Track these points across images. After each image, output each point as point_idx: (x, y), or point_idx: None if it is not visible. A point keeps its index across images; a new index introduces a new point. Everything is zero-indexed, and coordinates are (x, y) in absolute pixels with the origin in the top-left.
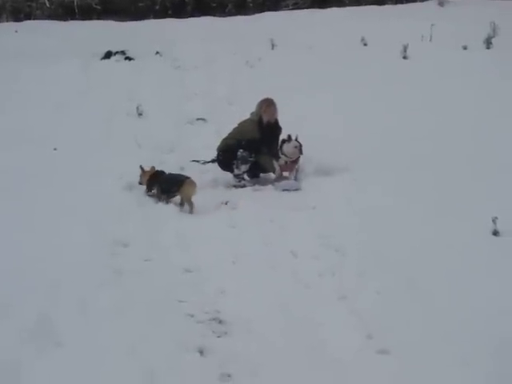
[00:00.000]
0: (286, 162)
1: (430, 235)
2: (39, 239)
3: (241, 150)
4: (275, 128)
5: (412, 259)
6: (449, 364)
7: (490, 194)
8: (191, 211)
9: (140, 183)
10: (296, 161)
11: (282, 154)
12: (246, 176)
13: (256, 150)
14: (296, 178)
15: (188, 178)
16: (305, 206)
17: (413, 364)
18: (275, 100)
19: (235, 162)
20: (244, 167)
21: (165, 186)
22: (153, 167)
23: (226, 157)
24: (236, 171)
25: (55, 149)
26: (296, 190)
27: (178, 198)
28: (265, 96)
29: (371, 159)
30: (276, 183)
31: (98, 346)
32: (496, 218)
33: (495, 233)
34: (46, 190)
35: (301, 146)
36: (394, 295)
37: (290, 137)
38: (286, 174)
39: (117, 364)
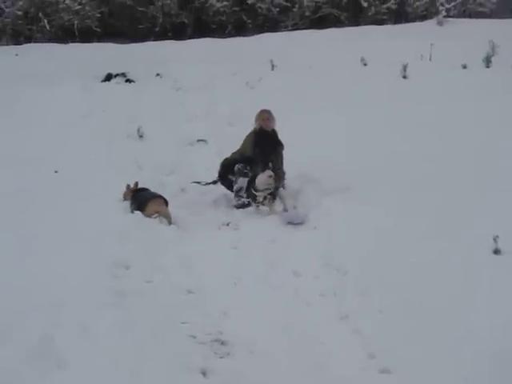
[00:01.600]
0: (265, 198)
1: (431, 254)
2: (40, 261)
3: (237, 165)
4: (272, 139)
5: (413, 278)
6: (452, 382)
7: (491, 212)
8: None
9: (124, 199)
10: (273, 193)
11: (254, 190)
12: (243, 194)
13: (253, 164)
14: (286, 209)
15: (156, 196)
16: (306, 226)
17: (415, 383)
18: (276, 119)
19: (234, 176)
20: (242, 180)
21: (136, 203)
22: (136, 183)
23: (224, 172)
24: (235, 186)
25: (56, 171)
26: (300, 223)
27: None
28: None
29: (372, 178)
30: (280, 215)
31: (101, 367)
32: (497, 236)
33: (496, 251)
34: (46, 211)
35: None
36: (395, 314)
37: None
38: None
39: None
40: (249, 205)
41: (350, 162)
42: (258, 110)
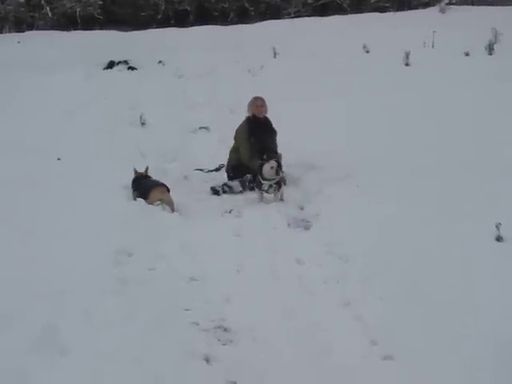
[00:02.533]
0: (271, 186)
1: (433, 242)
2: (43, 249)
3: (249, 176)
4: (265, 126)
5: (415, 266)
6: (453, 369)
7: (493, 199)
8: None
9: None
10: (279, 183)
11: (263, 178)
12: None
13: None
14: (282, 199)
15: (159, 184)
16: (308, 214)
17: (417, 369)
18: (278, 107)
19: (241, 181)
20: (236, 185)
21: (139, 191)
22: (146, 169)
23: (234, 176)
24: (229, 183)
25: (59, 159)
26: (306, 227)
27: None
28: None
29: (374, 166)
30: (288, 219)
31: (104, 354)
32: (499, 223)
33: (498, 238)
34: (49, 199)
35: (278, 166)
36: (397, 301)
37: (268, 156)
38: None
39: (122, 373)
40: (218, 194)
41: (351, 149)
42: (251, 98)
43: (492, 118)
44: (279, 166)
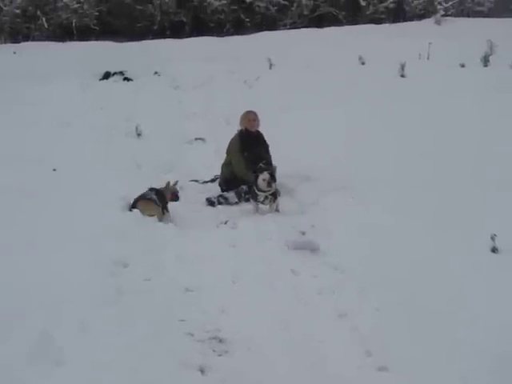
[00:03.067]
0: (266, 197)
1: (429, 253)
2: (39, 259)
3: (244, 187)
4: (258, 140)
5: (411, 276)
6: (449, 381)
7: (489, 211)
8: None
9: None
10: (275, 194)
11: (258, 189)
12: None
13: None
14: (278, 209)
15: (143, 198)
16: (304, 225)
17: (412, 381)
18: (274, 118)
19: (236, 192)
20: (232, 197)
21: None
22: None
23: (227, 188)
24: (225, 194)
25: (55, 169)
26: (313, 250)
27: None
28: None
29: (370, 177)
30: (287, 239)
31: (100, 365)
32: (495, 235)
33: (494, 250)
34: (45, 209)
35: (271, 178)
36: (393, 312)
37: (261, 168)
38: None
39: (119, 383)
40: (213, 205)
41: (348, 160)
42: (243, 111)
43: (488, 129)
44: (272, 177)
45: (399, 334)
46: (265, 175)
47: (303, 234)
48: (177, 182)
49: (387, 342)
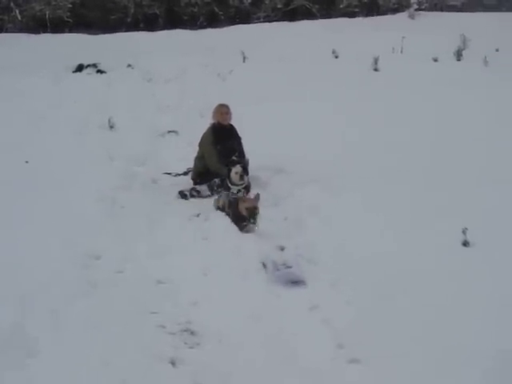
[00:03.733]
0: (239, 191)
1: (400, 246)
2: (10, 251)
3: (217, 180)
4: (231, 133)
5: (383, 270)
6: (420, 373)
7: (460, 205)
8: None
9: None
10: (247, 187)
11: (231, 183)
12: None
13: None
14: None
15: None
16: (276, 217)
17: (383, 373)
18: (246, 111)
19: (209, 185)
20: (204, 190)
21: None
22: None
23: (200, 181)
24: (198, 187)
25: (27, 162)
26: (298, 282)
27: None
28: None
29: (343, 170)
30: (272, 270)
31: (71, 357)
32: (466, 228)
33: (465, 244)
34: (17, 201)
35: (243, 171)
36: (365, 305)
37: (233, 161)
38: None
39: (90, 376)
40: (186, 198)
41: (321, 152)
42: (216, 104)
43: (460, 123)
44: (245, 170)
45: (371, 326)
46: (237, 168)
47: (282, 249)
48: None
49: (359, 335)
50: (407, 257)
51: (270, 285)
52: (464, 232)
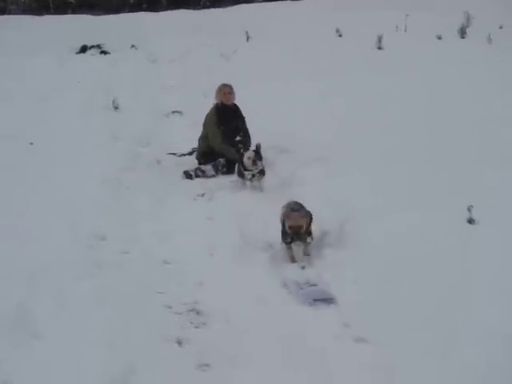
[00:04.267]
0: (254, 175)
1: (405, 224)
2: (15, 232)
3: (222, 160)
4: (235, 113)
5: (388, 248)
6: (425, 352)
7: (463, 183)
8: None
9: None
10: (262, 171)
11: (245, 168)
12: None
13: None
14: (262, 189)
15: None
16: (281, 197)
17: (389, 352)
18: (251, 90)
19: (214, 165)
20: (209, 170)
21: None
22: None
23: (204, 161)
24: (203, 167)
25: (31, 143)
26: (329, 300)
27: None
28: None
29: (345, 151)
30: (295, 290)
31: (77, 338)
32: (471, 206)
33: (470, 221)
34: (22, 183)
35: (256, 156)
36: (371, 284)
37: (244, 145)
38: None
39: (96, 356)
40: (190, 178)
41: (324, 132)
42: (219, 84)
43: (462, 100)
44: (257, 155)
45: (376, 305)
46: (249, 153)
47: (303, 268)
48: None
49: (364, 314)
50: (412, 234)
51: (275, 266)
52: (469, 209)
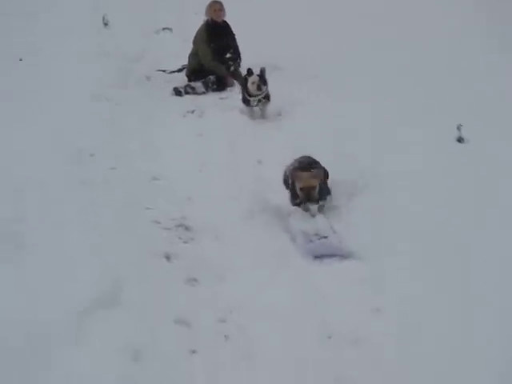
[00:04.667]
0: (259, 101)
1: (394, 143)
2: (2, 148)
3: (212, 77)
4: (225, 30)
5: (376, 168)
6: (441, 314)
7: (450, 102)
8: None
9: None
10: (268, 96)
11: (249, 95)
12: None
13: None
14: (265, 116)
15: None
16: (272, 114)
17: (407, 320)
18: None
19: (204, 82)
20: (199, 86)
21: None
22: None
23: (195, 77)
24: (192, 83)
25: (21, 59)
26: (342, 256)
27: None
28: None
29: (340, 68)
30: (303, 242)
31: (64, 252)
32: (460, 125)
33: (460, 140)
34: (9, 100)
35: (261, 81)
36: (363, 207)
37: (250, 71)
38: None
39: (84, 271)
40: (180, 95)
41: (320, 50)
42: (209, 1)
43: (450, 18)
44: (262, 79)
45: (366, 221)
46: (253, 78)
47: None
48: None
49: (355, 233)
50: (403, 154)
51: (264, 181)
52: (459, 128)
